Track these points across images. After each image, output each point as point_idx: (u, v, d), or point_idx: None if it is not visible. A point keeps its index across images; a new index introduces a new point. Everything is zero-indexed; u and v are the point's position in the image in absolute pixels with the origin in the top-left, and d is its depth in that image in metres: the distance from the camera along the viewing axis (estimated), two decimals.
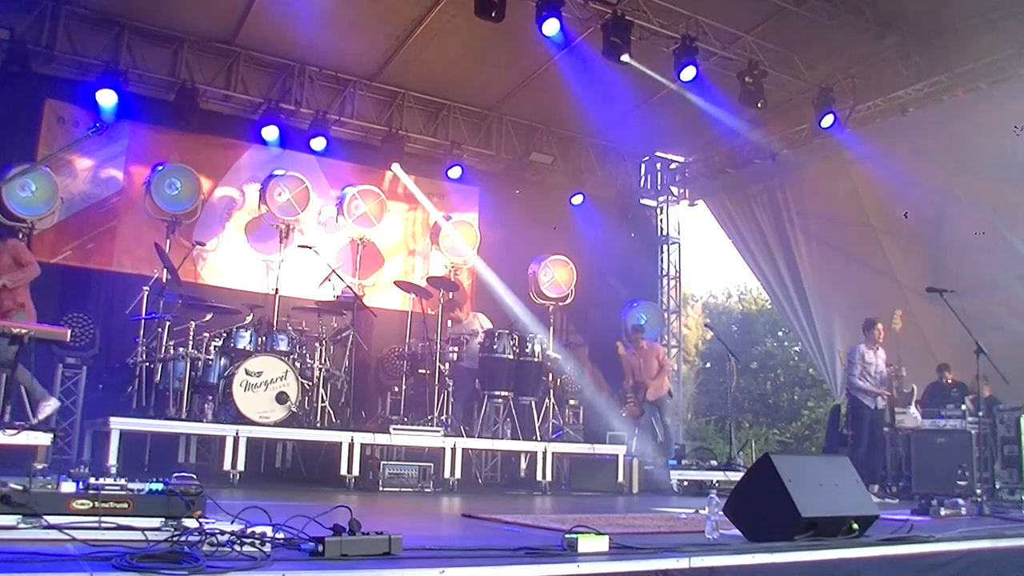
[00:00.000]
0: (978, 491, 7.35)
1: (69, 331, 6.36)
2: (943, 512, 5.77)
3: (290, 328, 8.46)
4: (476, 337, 9.52)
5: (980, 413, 8.03)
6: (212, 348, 7.91)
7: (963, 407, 8.68)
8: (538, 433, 9.26)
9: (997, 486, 8.47)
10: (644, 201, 13.83)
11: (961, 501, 6.07)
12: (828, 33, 9.47)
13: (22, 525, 2.73)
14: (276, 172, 9.94)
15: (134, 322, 8.18)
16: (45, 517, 2.74)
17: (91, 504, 2.85)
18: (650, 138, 12.84)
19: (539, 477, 8.54)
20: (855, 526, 3.85)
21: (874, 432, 8.74)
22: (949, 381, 9.84)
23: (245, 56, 10.31)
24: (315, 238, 9.91)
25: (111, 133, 9.11)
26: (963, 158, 9.59)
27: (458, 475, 8.00)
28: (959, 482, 7.69)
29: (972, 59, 9.48)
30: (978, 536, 4.21)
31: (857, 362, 8.75)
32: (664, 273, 13.73)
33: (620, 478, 8.81)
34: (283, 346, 8.18)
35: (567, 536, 3.10)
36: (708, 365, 24.49)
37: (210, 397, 7.88)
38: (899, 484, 8.70)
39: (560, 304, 11.47)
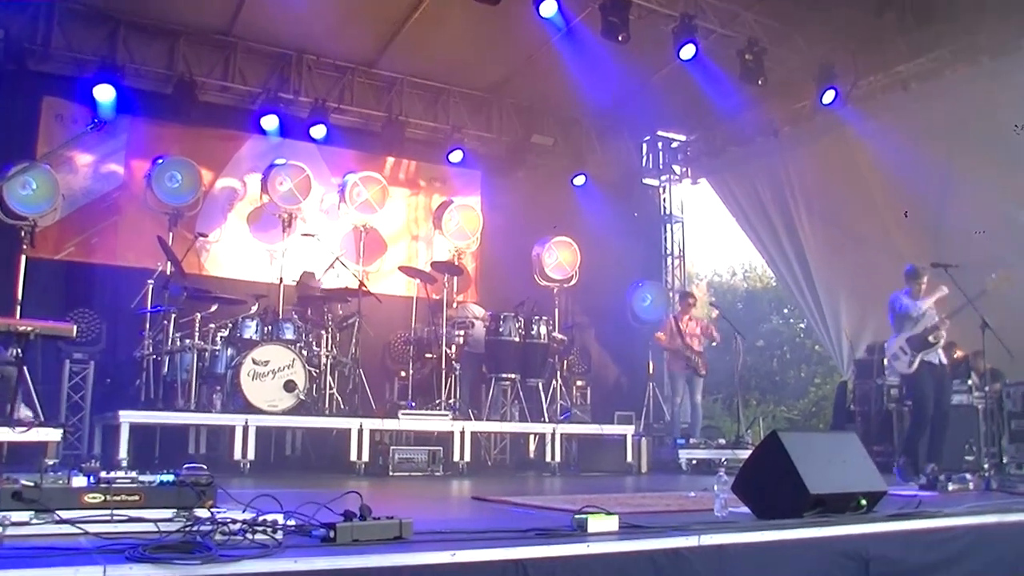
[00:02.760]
0: (985, 466, 7.35)
1: (75, 327, 6.38)
2: (951, 487, 5.79)
3: (295, 316, 8.49)
4: (474, 325, 9.52)
5: (987, 388, 7.99)
6: (218, 339, 7.95)
7: (969, 382, 8.65)
8: (546, 415, 9.29)
9: (1004, 461, 8.45)
10: (646, 181, 13.77)
11: (969, 476, 6.08)
12: (827, 8, 9.38)
13: (35, 521, 2.75)
14: (277, 161, 9.91)
15: (140, 315, 8.21)
16: (57, 512, 2.77)
17: (103, 497, 2.87)
18: (651, 117, 12.77)
19: (548, 459, 8.59)
20: (863, 502, 3.87)
21: (941, 400, 7.30)
22: (956, 356, 9.82)
23: (242, 47, 10.25)
24: (318, 226, 9.91)
25: (110, 128, 9.07)
26: (966, 134, 9.47)
27: (467, 458, 8.05)
28: (966, 457, 7.67)
29: (973, 33, 9.37)
30: (986, 511, 4.22)
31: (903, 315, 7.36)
32: (668, 252, 13.68)
33: (629, 458, 8.85)
34: (289, 334, 8.20)
35: (577, 517, 3.13)
36: (714, 344, 24.41)
37: (218, 387, 7.91)
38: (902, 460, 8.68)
39: (565, 286, 11.45)
